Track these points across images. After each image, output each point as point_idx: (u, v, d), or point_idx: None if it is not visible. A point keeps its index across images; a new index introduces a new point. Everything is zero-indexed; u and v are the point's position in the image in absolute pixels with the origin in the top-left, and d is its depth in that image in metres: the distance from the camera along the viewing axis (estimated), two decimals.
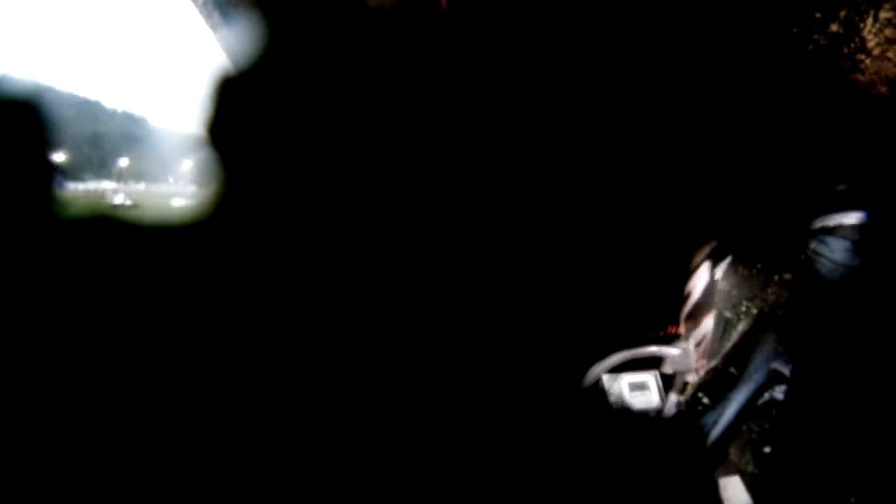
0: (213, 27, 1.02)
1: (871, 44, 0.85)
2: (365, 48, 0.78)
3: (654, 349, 0.88)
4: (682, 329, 0.88)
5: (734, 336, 0.76)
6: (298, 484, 0.67)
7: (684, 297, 0.87)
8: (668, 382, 0.92)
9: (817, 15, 0.86)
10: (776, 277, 0.76)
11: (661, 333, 0.93)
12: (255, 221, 0.77)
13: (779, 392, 0.71)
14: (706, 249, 0.86)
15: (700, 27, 0.84)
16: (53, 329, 0.63)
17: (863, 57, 0.85)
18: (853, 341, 0.71)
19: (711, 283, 0.82)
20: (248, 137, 0.80)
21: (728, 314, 0.78)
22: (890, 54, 0.84)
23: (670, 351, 0.88)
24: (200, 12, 1.02)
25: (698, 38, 0.84)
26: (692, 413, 0.73)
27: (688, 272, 0.89)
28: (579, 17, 0.81)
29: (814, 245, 0.75)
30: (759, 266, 0.78)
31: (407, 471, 0.68)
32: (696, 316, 0.85)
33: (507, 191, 0.83)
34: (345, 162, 0.79)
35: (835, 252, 0.73)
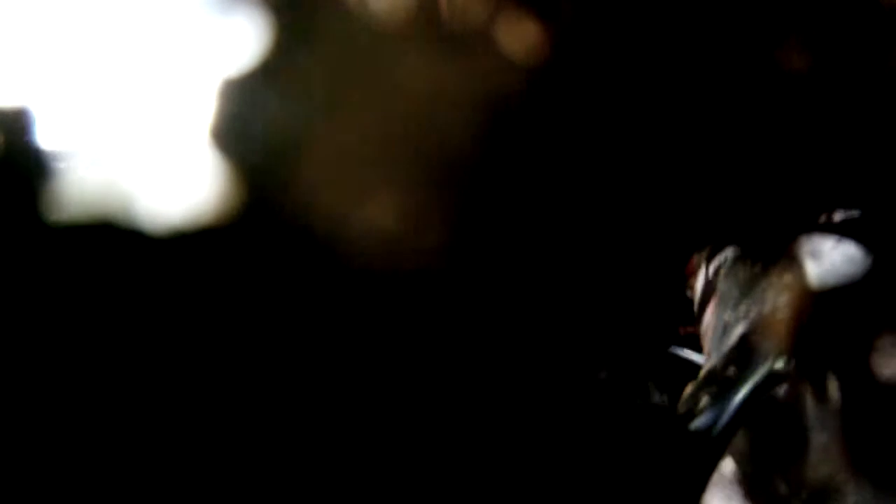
0: (214, 27, 1.02)
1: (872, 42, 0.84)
2: (365, 51, 0.79)
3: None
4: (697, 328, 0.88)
5: (734, 336, 0.76)
6: (298, 484, 0.67)
7: (690, 297, 0.88)
8: (668, 382, 0.92)
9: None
10: (776, 277, 0.76)
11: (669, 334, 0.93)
12: (256, 222, 0.77)
13: (779, 392, 0.71)
14: (706, 249, 0.86)
15: (700, 25, 0.84)
16: (51, 333, 0.63)
17: (864, 55, 0.85)
18: (854, 341, 0.70)
19: (711, 282, 0.83)
20: (250, 138, 0.80)
21: (728, 314, 0.78)
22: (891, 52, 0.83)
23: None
24: (200, 12, 1.02)
25: (697, 36, 0.84)
26: (692, 413, 0.73)
27: (688, 272, 0.89)
28: (578, 20, 0.81)
29: (814, 245, 0.75)
30: (759, 266, 0.78)
31: (406, 470, 0.69)
32: (699, 314, 0.85)
33: (508, 191, 0.83)
34: (346, 162, 0.79)
35: (835, 252, 0.73)
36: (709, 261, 0.84)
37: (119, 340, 0.66)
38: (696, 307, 0.85)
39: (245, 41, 0.79)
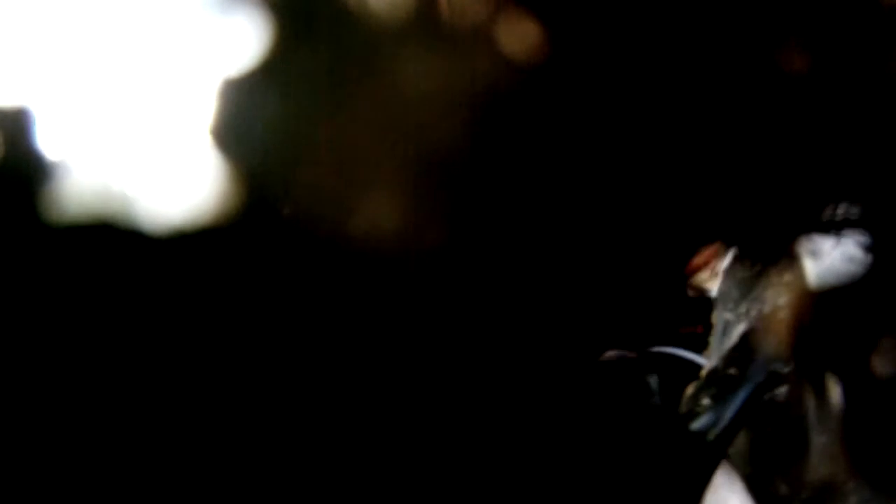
0: (214, 27, 1.02)
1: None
2: (365, 51, 0.78)
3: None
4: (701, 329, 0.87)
5: (735, 335, 0.76)
6: (298, 484, 0.67)
7: (696, 298, 0.87)
8: (668, 383, 0.91)
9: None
10: (776, 277, 0.75)
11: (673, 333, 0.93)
12: (257, 223, 0.77)
13: (779, 392, 0.71)
14: (708, 249, 0.86)
15: (700, 25, 0.84)
16: (52, 333, 0.63)
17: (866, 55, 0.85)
18: (854, 341, 0.70)
19: (715, 283, 0.82)
20: (251, 138, 0.80)
21: (728, 314, 0.78)
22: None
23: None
24: (201, 12, 1.02)
25: (698, 36, 0.84)
26: (692, 413, 0.73)
27: (689, 273, 0.89)
28: (578, 18, 0.81)
29: (814, 245, 0.74)
30: (759, 266, 0.77)
31: (406, 470, 0.69)
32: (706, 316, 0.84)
33: (508, 191, 0.83)
34: (346, 162, 0.79)
35: (835, 252, 0.73)
36: (711, 260, 0.84)
37: (119, 339, 0.66)
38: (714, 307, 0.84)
39: (245, 41, 0.79)
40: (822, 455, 0.68)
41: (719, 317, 0.79)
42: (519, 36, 0.78)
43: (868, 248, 0.73)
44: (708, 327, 0.83)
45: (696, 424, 0.71)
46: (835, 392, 0.69)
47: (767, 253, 0.78)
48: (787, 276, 0.75)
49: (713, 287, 0.83)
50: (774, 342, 0.71)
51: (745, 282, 0.77)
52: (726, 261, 0.81)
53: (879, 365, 0.69)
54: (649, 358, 0.89)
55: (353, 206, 0.78)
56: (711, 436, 0.70)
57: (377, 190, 0.79)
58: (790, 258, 0.75)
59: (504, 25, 0.78)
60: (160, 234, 0.74)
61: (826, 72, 0.84)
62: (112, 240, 0.72)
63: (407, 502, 0.69)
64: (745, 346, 0.73)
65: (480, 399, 0.74)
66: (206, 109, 0.81)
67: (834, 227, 0.75)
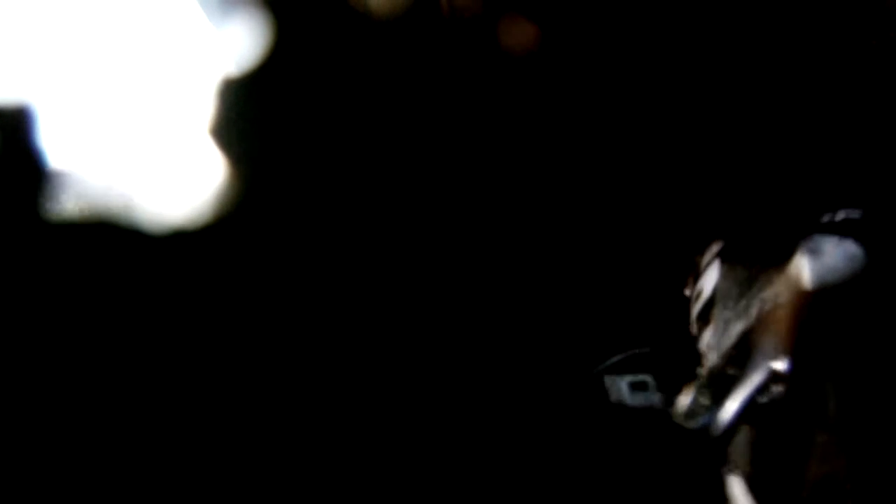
0: (215, 27, 1.02)
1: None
2: (367, 50, 0.79)
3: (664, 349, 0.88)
4: (693, 330, 0.87)
5: (734, 334, 0.76)
6: (298, 484, 0.67)
7: (692, 299, 0.87)
8: (667, 383, 0.91)
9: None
10: (776, 276, 0.75)
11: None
12: (258, 222, 0.78)
13: (779, 392, 0.70)
14: (708, 249, 0.86)
15: (700, 24, 0.84)
16: (51, 333, 0.64)
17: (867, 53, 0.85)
18: (854, 340, 0.70)
19: (715, 284, 0.82)
20: (252, 139, 0.81)
21: (728, 314, 0.78)
22: None
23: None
24: (202, 12, 1.02)
25: (697, 35, 0.84)
26: (692, 413, 0.73)
27: (690, 273, 0.89)
28: (579, 17, 0.81)
29: (814, 244, 0.74)
30: (759, 266, 0.78)
31: (407, 471, 0.69)
32: (704, 317, 0.84)
33: (508, 191, 0.83)
34: (347, 162, 0.79)
35: (835, 251, 0.73)
36: (703, 268, 0.84)
37: (119, 340, 0.66)
38: (693, 314, 0.85)
39: (245, 41, 0.79)
40: (822, 455, 0.68)
41: (719, 316, 0.79)
42: (518, 34, 0.78)
43: (869, 248, 0.73)
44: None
45: (696, 424, 0.71)
46: (835, 391, 0.69)
47: (768, 252, 0.78)
48: (787, 276, 0.75)
49: (697, 287, 0.84)
50: (774, 341, 0.71)
51: (746, 280, 0.77)
52: (722, 263, 0.81)
53: (880, 364, 0.69)
54: (648, 358, 0.89)
55: (352, 206, 0.78)
56: (711, 435, 0.70)
57: (377, 188, 0.79)
58: (790, 257, 0.75)
59: (503, 24, 0.78)
60: (160, 233, 0.74)
61: (826, 72, 0.84)
62: (111, 240, 0.72)
63: (407, 502, 0.69)
64: (745, 345, 0.73)
65: (478, 399, 0.74)
66: (206, 109, 0.81)
67: (834, 227, 0.74)
